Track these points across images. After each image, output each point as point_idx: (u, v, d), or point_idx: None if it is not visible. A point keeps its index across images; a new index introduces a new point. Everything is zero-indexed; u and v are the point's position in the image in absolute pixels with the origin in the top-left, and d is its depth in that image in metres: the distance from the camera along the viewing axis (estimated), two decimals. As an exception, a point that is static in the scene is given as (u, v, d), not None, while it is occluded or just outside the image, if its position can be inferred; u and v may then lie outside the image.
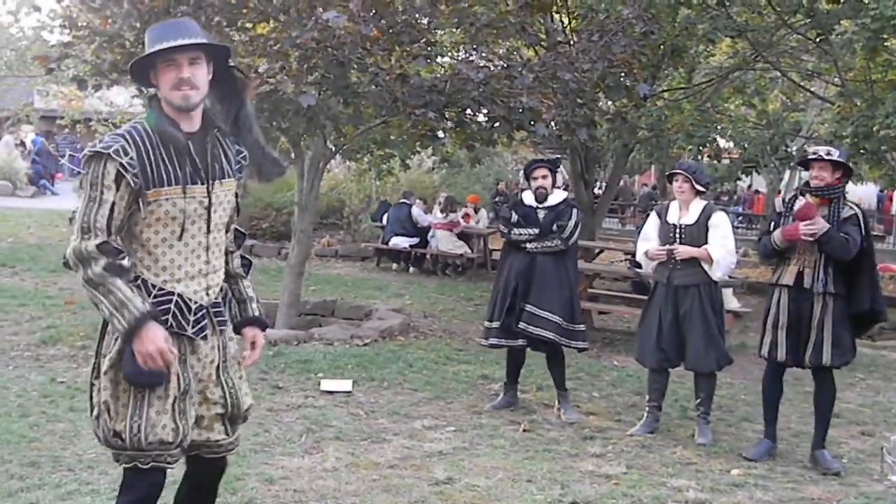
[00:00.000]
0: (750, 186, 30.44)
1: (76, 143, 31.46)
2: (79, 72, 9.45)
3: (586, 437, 6.36)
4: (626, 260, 13.68)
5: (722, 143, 14.80)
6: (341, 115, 8.54)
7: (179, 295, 3.26)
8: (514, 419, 6.70)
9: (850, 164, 6.16)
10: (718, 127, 13.77)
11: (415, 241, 15.35)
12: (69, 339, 8.22)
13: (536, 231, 6.79)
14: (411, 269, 15.41)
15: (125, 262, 3.14)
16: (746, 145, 13.01)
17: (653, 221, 6.71)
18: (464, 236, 15.56)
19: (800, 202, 5.91)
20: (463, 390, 7.45)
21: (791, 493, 5.41)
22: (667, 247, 6.44)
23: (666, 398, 6.79)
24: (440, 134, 9.97)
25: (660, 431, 6.56)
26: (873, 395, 8.31)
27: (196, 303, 3.30)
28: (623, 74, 9.44)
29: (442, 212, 15.54)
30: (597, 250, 13.47)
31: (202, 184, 3.28)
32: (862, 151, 10.35)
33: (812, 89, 15.37)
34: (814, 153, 6.01)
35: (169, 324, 3.21)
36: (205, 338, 3.34)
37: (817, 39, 11.76)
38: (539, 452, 5.94)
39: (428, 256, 15.68)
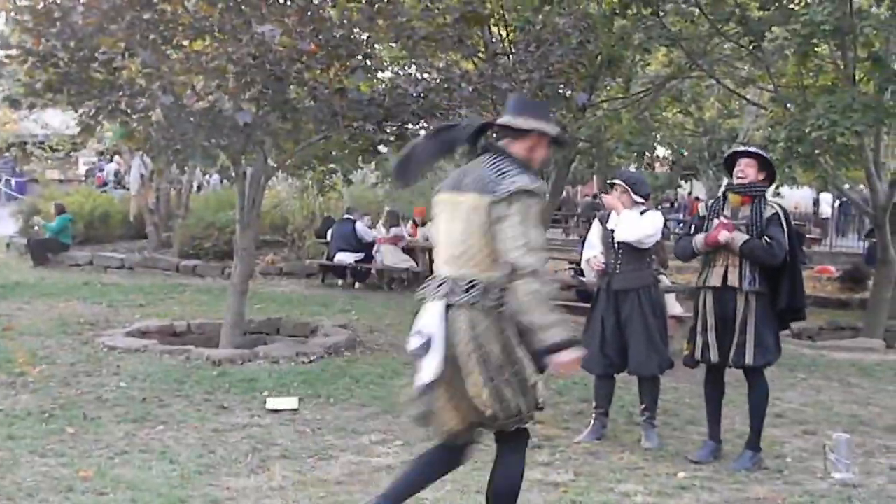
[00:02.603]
0: (690, 193, 30.88)
1: (14, 166, 30.91)
2: (12, 93, 9.29)
3: (534, 446, 6.34)
4: (570, 269, 13.77)
5: (660, 151, 15.00)
6: (280, 130, 8.50)
7: None
8: (462, 431, 6.68)
9: (773, 163, 6.28)
10: (657, 136, 13.94)
11: (360, 256, 15.29)
12: (7, 365, 8.04)
13: None
14: (357, 284, 15.35)
15: None
16: (684, 152, 13.19)
17: (596, 229, 6.77)
18: (409, 250, 15.55)
19: (713, 223, 5.99)
20: (410, 404, 7.41)
21: (737, 493, 5.47)
22: (599, 264, 6.50)
23: (612, 404, 6.82)
24: (382, 148, 9.97)
25: (607, 437, 6.60)
26: (815, 394, 8.44)
27: None
28: (561, 84, 9.54)
29: (385, 226, 15.51)
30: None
31: None
32: (795, 154, 10.55)
33: (747, 96, 15.63)
34: (741, 149, 6.14)
35: None
36: None
37: (750, 47, 11.97)
38: (487, 463, 5.85)
39: (373, 271, 15.64)
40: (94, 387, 7.54)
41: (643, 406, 6.60)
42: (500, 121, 4.06)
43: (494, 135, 4.13)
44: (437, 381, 3.87)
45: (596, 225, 6.82)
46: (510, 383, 3.85)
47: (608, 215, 6.71)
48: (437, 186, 4.10)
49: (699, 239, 6.02)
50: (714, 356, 6.00)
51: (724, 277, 5.95)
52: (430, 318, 3.91)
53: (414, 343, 3.98)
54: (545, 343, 3.70)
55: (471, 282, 3.85)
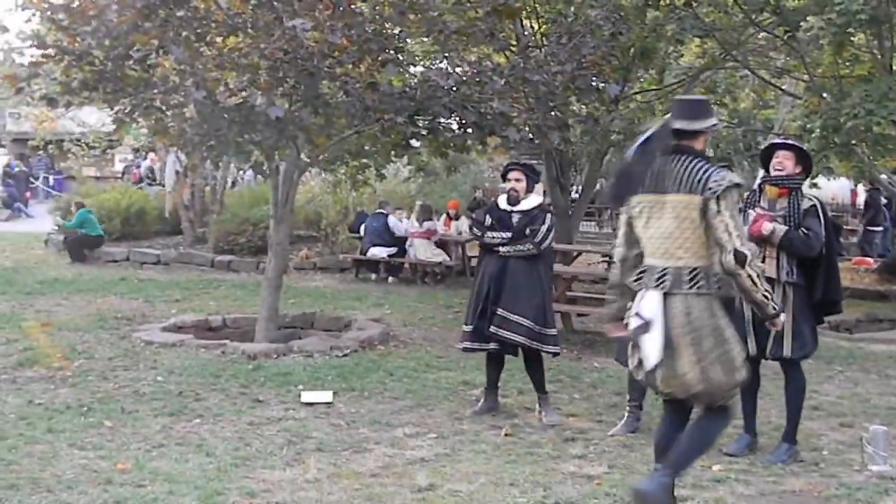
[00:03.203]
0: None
1: (50, 165, 31.31)
2: (49, 91, 9.40)
3: (568, 439, 6.37)
4: (603, 261, 13.72)
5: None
6: (313, 125, 8.53)
7: None
8: (495, 424, 6.70)
9: (811, 155, 6.22)
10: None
11: (393, 250, 15.33)
12: (46, 360, 8.16)
13: (509, 235, 6.80)
14: (390, 278, 15.39)
15: None
16: (719, 144, 13.07)
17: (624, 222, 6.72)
18: (442, 244, 15.56)
19: (751, 214, 5.96)
20: (444, 397, 7.44)
21: (772, 486, 5.44)
22: None
23: (646, 397, 6.80)
24: (414, 142, 9.98)
25: (641, 431, 6.57)
26: (852, 386, 8.36)
27: None
28: (594, 76, 9.49)
29: (417, 220, 15.53)
30: (574, 253, 13.51)
31: None
32: (832, 144, 10.44)
33: (782, 86, 15.47)
34: (779, 141, 6.09)
35: None
36: None
37: (785, 37, 11.85)
38: (521, 456, 5.94)
39: (406, 265, 15.67)
40: (131, 381, 7.63)
41: None
42: (677, 125, 4.53)
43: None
44: (660, 361, 4.39)
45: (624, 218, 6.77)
46: (718, 363, 4.34)
47: None
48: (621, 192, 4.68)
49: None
50: (753, 349, 5.95)
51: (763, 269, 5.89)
52: (650, 304, 4.42)
53: (633, 324, 4.51)
54: (768, 314, 4.52)
55: (693, 270, 4.38)
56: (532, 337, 6.71)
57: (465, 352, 7.19)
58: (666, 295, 4.39)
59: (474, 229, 7.14)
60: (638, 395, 6.61)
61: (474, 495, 5.10)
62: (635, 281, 4.58)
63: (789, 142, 6.17)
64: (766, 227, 5.84)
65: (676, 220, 4.41)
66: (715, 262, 4.34)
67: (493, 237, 6.87)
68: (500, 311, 6.72)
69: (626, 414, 6.64)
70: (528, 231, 6.77)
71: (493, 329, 6.73)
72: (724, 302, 4.42)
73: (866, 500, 5.18)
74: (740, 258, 4.25)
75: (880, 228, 20.67)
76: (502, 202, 7.00)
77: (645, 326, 4.42)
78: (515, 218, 6.86)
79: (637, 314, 4.48)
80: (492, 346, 6.85)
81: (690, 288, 4.37)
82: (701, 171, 4.40)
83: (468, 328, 6.94)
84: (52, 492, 5.00)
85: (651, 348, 4.41)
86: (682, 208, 4.39)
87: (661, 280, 4.43)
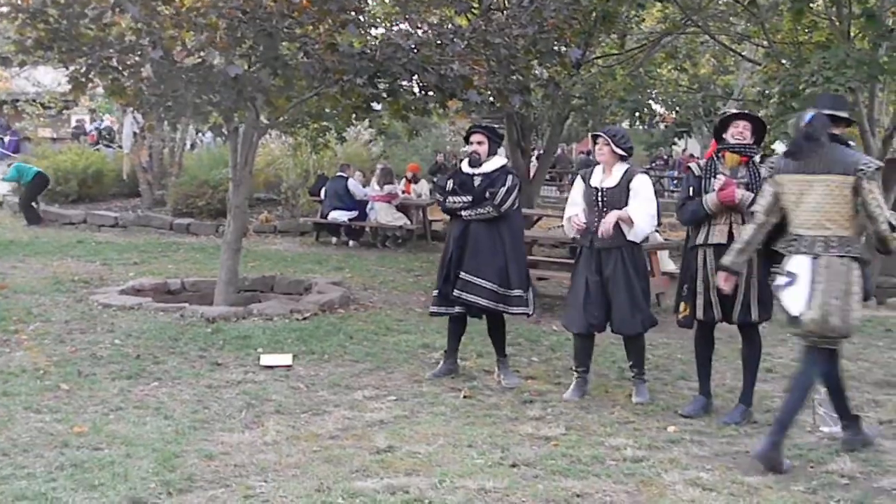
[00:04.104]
0: (685, 150, 30.82)
1: (5, 125, 30.71)
2: (2, 50, 9.22)
3: (526, 401, 6.42)
4: (562, 226, 13.78)
5: (657, 108, 14.95)
6: (272, 86, 8.44)
7: None
8: (454, 386, 6.74)
9: (769, 122, 6.29)
10: (652, 93, 13.88)
11: (353, 214, 15.28)
12: (1, 324, 8.06)
13: (470, 199, 6.80)
14: (350, 242, 15.36)
15: None
16: (679, 109, 13.14)
17: (578, 186, 6.72)
18: (403, 208, 15.53)
19: (719, 179, 5.99)
20: (404, 360, 7.47)
21: (726, 447, 5.53)
22: (580, 223, 6.47)
23: (603, 359, 6.88)
24: (375, 105, 9.92)
25: (597, 393, 6.65)
26: (805, 349, 8.48)
27: None
28: (555, 40, 9.45)
29: (378, 184, 15.48)
30: (535, 217, 13.56)
31: None
32: (790, 110, 10.52)
33: (742, 52, 15.54)
34: (736, 110, 6.16)
35: None
36: None
37: (745, 2, 11.88)
38: (479, 418, 5.98)
39: (367, 229, 15.64)
40: (88, 344, 7.57)
41: (630, 363, 6.64)
42: (827, 112, 5.31)
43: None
44: (804, 311, 5.14)
45: (579, 182, 6.75)
46: (838, 313, 5.08)
47: (591, 172, 6.68)
48: (771, 169, 5.40)
49: (711, 199, 5.96)
50: (717, 315, 6.02)
51: (730, 235, 5.94)
52: (800, 265, 5.18)
53: (781, 280, 5.27)
54: None
55: (838, 238, 5.11)
56: (496, 300, 6.73)
57: (432, 315, 7.23)
58: (814, 257, 5.13)
59: (436, 194, 7.12)
60: (586, 360, 6.64)
61: (433, 457, 5.14)
62: (784, 246, 5.30)
63: (748, 112, 6.21)
64: (738, 194, 5.88)
65: (829, 196, 5.14)
66: (868, 232, 5.19)
67: (455, 202, 6.86)
68: (463, 275, 6.72)
69: (574, 380, 6.66)
70: (487, 194, 6.76)
71: (456, 293, 6.74)
72: (860, 263, 5.18)
73: (818, 461, 5.29)
74: (893, 226, 5.07)
75: None
76: (465, 166, 6.99)
77: (792, 282, 5.19)
78: (477, 181, 6.85)
79: (788, 272, 5.23)
80: (457, 309, 6.86)
81: (835, 252, 5.10)
82: (851, 155, 5.19)
83: (436, 292, 6.97)
84: (7, 455, 4.96)
85: (797, 299, 5.18)
86: (836, 186, 5.12)
87: (811, 246, 5.15)
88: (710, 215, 6.02)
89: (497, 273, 6.73)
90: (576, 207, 6.64)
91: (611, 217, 6.35)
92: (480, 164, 6.88)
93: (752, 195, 5.83)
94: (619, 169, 6.51)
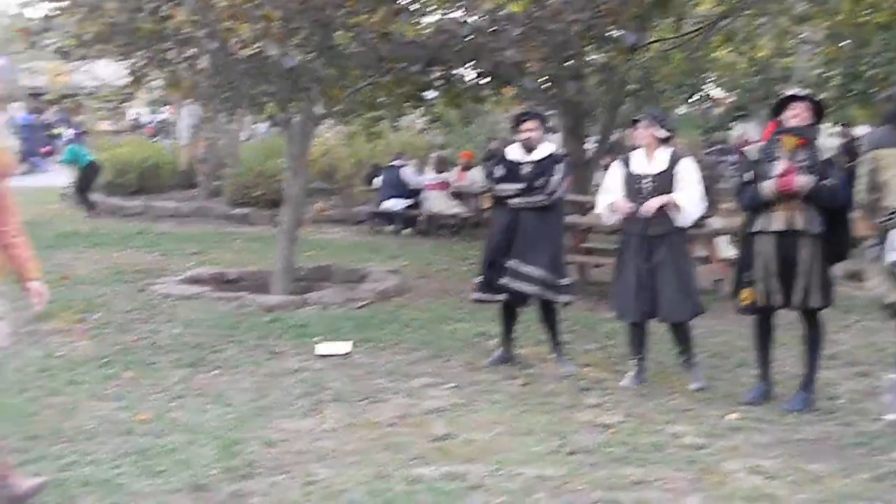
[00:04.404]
0: (742, 135, 30.33)
1: (67, 119, 31.25)
2: (63, 45, 9.37)
3: (583, 389, 6.39)
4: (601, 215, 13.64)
5: (714, 92, 14.74)
6: (327, 76, 8.48)
7: None
8: (511, 374, 6.73)
9: (829, 104, 6.15)
10: (709, 77, 13.68)
11: (408, 202, 15.31)
12: (64, 314, 8.21)
13: (521, 186, 6.74)
14: (405, 231, 15.39)
15: None
16: (737, 93, 12.94)
17: (616, 172, 6.60)
18: (457, 196, 15.51)
19: (779, 165, 5.84)
20: (460, 348, 7.47)
21: (789, 434, 5.45)
22: (630, 205, 6.36)
23: (661, 346, 6.81)
24: (429, 94, 9.90)
25: (656, 380, 6.59)
26: (868, 335, 8.31)
27: None
28: (610, 25, 9.35)
29: (433, 172, 15.47)
30: (589, 205, 13.43)
31: None
32: (851, 93, 10.33)
33: (802, 34, 15.23)
34: (793, 92, 6.01)
35: None
36: None
37: (805, -17, 11.65)
38: (537, 405, 5.97)
39: (422, 218, 15.65)
40: (149, 333, 7.69)
41: (679, 350, 6.58)
42: None
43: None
44: None
45: (616, 168, 6.63)
46: None
47: (629, 158, 6.58)
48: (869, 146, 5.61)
49: (769, 185, 5.82)
50: (779, 301, 5.91)
51: (790, 221, 5.82)
52: None
53: (892, 257, 5.34)
54: None
55: None
56: (546, 287, 6.70)
57: (475, 303, 7.20)
58: None
59: (487, 182, 7.07)
60: (640, 348, 6.58)
61: (490, 444, 5.14)
62: (883, 221, 5.35)
63: (805, 93, 6.07)
64: (798, 181, 5.75)
65: None
66: None
67: (505, 189, 6.81)
68: (511, 264, 6.67)
69: (633, 367, 6.59)
70: (539, 182, 6.71)
71: (504, 281, 6.70)
72: None
73: (882, 449, 5.19)
74: None
75: None
76: (513, 153, 6.92)
77: None
78: (527, 168, 6.79)
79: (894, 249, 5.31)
80: (502, 297, 6.83)
81: None
82: None
83: (479, 280, 6.93)
84: (72, 442, 5.07)
85: None
86: None
87: None
88: (770, 202, 5.90)
89: (550, 261, 6.69)
90: (612, 195, 6.54)
91: (656, 201, 6.27)
92: (532, 152, 6.83)
93: (815, 179, 5.72)
94: (663, 153, 6.41)
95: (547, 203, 6.72)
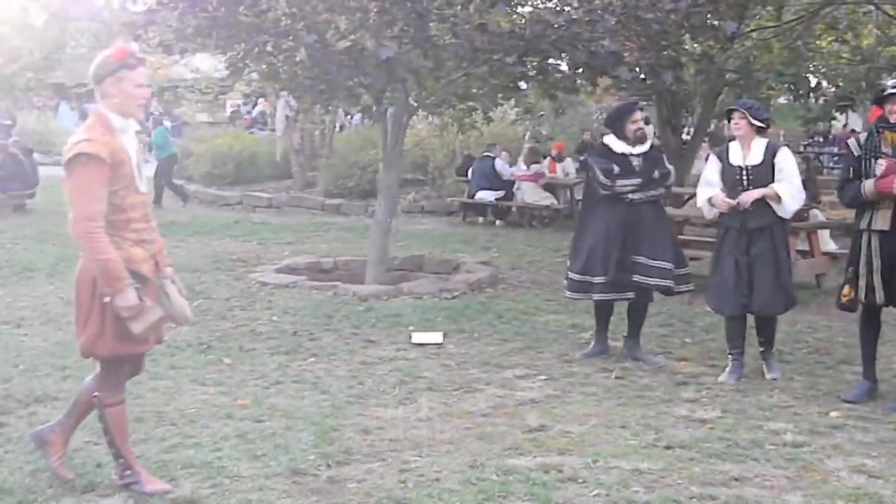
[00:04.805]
0: (845, 126, 29.47)
1: (168, 111, 32.02)
2: (164, 38, 9.60)
3: (679, 383, 6.30)
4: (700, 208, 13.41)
5: (815, 81, 14.33)
6: (422, 68, 8.51)
7: None
8: (605, 367, 6.67)
9: None
10: (811, 65, 13.30)
11: (500, 193, 15.31)
12: (167, 299, 8.42)
13: (639, 181, 6.61)
14: (498, 222, 15.39)
15: None
16: (840, 82, 12.56)
17: (715, 165, 6.50)
18: (549, 187, 15.45)
19: (880, 164, 5.65)
20: (553, 339, 7.44)
21: (893, 433, 5.28)
22: (730, 201, 6.26)
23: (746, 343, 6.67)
24: (522, 84, 9.87)
25: (754, 375, 6.45)
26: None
27: None
28: (709, 13, 9.18)
29: (525, 163, 15.44)
30: (686, 196, 13.24)
31: None
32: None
33: (908, 22, 14.71)
34: (892, 87, 5.76)
35: None
36: None
37: (913, -32, 11.25)
38: (632, 399, 5.91)
39: (514, 209, 15.63)
40: (248, 320, 7.85)
41: (762, 340, 6.50)
42: None
43: None
44: None
45: (714, 161, 6.53)
46: None
47: (727, 150, 6.46)
48: None
49: (869, 186, 5.66)
50: (880, 298, 5.75)
51: (893, 221, 5.64)
52: None
53: None
54: None
55: None
56: (670, 278, 6.67)
57: (599, 304, 6.90)
58: None
59: (601, 178, 6.68)
60: (740, 341, 6.46)
61: (585, 436, 5.11)
62: None
63: None
64: None
65: None
66: None
67: (626, 185, 6.63)
68: (640, 259, 6.57)
69: (731, 363, 6.47)
70: (656, 174, 6.62)
71: (637, 278, 6.58)
72: None
73: None
74: None
75: None
76: (618, 146, 6.75)
77: None
78: (636, 162, 6.68)
79: None
80: (630, 293, 6.72)
81: None
82: None
83: (601, 279, 6.62)
84: (175, 425, 5.20)
85: None
86: None
87: None
88: (874, 200, 5.73)
89: (673, 253, 6.71)
90: (712, 188, 6.43)
91: (755, 193, 6.18)
92: (641, 144, 6.71)
93: None
94: (759, 144, 6.30)
95: (663, 195, 6.68)
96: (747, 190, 6.25)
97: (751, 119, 6.25)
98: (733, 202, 6.25)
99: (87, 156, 3.89)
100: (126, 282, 3.91)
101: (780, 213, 6.25)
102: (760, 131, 6.32)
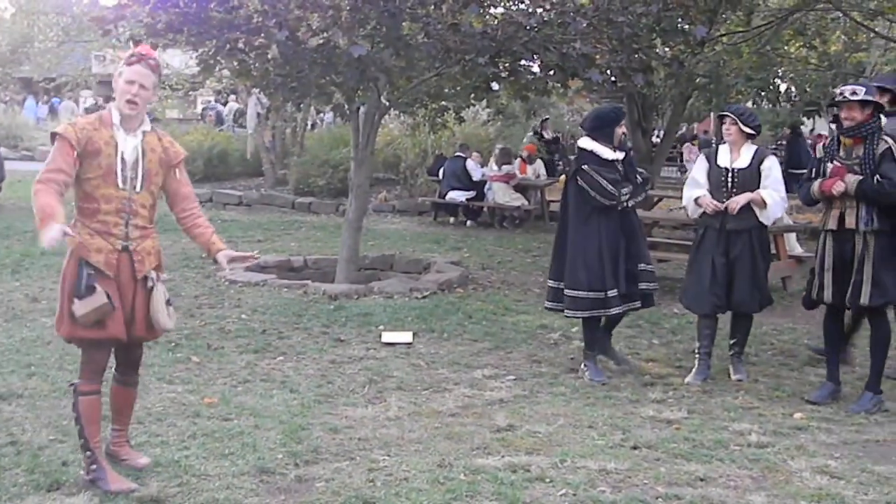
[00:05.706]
0: (812, 130, 29.77)
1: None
2: (134, 34, 9.54)
3: (647, 384, 6.36)
4: (684, 207, 13.51)
5: (784, 86, 14.49)
6: (394, 67, 8.52)
7: None
8: (573, 367, 6.71)
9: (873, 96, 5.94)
10: (779, 71, 13.43)
11: (471, 194, 15.33)
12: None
13: (631, 187, 6.48)
14: (468, 222, 15.41)
15: None
16: (807, 88, 12.70)
17: (701, 166, 6.61)
18: (521, 188, 15.49)
19: (833, 165, 5.83)
20: (522, 340, 7.47)
21: (855, 435, 5.36)
22: (717, 204, 6.34)
23: (726, 343, 6.74)
24: (494, 85, 9.89)
25: (720, 377, 6.52)
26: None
27: None
28: (679, 17, 9.26)
29: (496, 164, 15.48)
30: (655, 199, 13.34)
31: None
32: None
33: (875, 29, 14.89)
34: (840, 94, 5.87)
35: None
36: None
37: (880, -24, 11.39)
38: (600, 399, 5.95)
39: (485, 209, 15.66)
40: (216, 319, 7.82)
41: (733, 341, 6.59)
42: None
43: None
44: None
45: (702, 162, 6.65)
46: None
47: (716, 152, 6.56)
48: None
49: (815, 186, 5.90)
50: (828, 295, 5.89)
51: (841, 220, 5.82)
52: None
53: None
54: None
55: None
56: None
57: (616, 317, 6.66)
58: None
59: (610, 189, 6.35)
60: (709, 341, 6.53)
61: (553, 436, 5.14)
62: None
63: (849, 97, 5.85)
64: (837, 187, 5.73)
65: None
66: None
67: (626, 193, 6.43)
68: (642, 266, 6.56)
69: (697, 362, 6.54)
70: (639, 179, 6.62)
71: (643, 286, 6.56)
72: None
73: (953, 452, 5.09)
74: None
75: None
76: (605, 152, 6.47)
77: None
78: (619, 168, 6.52)
79: None
80: (637, 303, 6.63)
81: None
82: None
83: (615, 293, 6.38)
84: (142, 423, 5.17)
85: None
86: None
87: None
88: (828, 200, 5.88)
89: (649, 255, 6.80)
90: (699, 189, 6.51)
91: (742, 198, 6.28)
92: (619, 149, 6.57)
93: (859, 178, 5.66)
94: (748, 149, 6.41)
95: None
96: (731, 192, 6.37)
97: (741, 125, 6.37)
98: (721, 206, 6.33)
99: (58, 135, 4.20)
100: (52, 221, 3.96)
101: (761, 219, 6.38)
102: (751, 137, 6.45)
